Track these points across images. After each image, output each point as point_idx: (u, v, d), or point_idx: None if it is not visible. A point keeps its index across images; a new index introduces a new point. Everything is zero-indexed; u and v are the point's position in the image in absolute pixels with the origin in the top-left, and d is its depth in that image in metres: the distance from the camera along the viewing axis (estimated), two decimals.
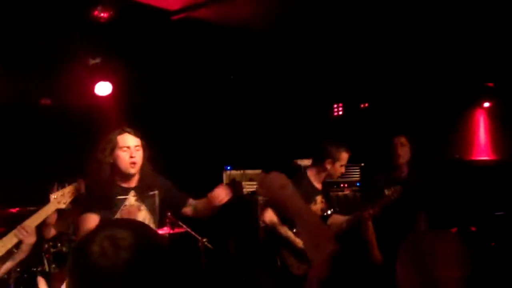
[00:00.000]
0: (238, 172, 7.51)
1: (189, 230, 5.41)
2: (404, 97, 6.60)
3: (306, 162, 5.64)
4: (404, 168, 5.02)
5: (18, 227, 3.38)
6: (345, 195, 6.33)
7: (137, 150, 3.69)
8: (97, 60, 6.52)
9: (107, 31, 5.78)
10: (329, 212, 4.78)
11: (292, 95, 7.12)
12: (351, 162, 5.32)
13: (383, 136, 5.27)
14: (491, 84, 7.52)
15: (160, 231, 5.41)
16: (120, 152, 3.64)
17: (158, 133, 7.14)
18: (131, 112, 6.97)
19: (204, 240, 5.13)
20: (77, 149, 6.55)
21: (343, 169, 4.83)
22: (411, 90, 6.82)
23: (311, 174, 4.80)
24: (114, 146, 3.64)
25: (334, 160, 4.73)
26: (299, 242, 4.46)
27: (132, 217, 3.58)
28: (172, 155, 7.12)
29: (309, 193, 4.64)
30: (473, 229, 4.91)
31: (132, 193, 3.70)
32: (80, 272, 1.52)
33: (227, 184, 7.53)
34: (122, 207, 3.64)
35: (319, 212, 4.70)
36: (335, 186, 6.17)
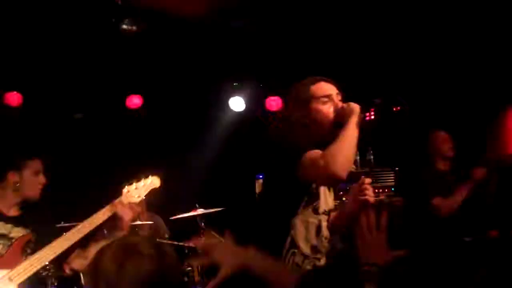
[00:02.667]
0: None
1: (223, 240, 5.38)
2: (439, 96, 6.48)
3: None
4: (448, 162, 5.04)
5: (113, 201, 3.44)
6: (380, 201, 6.23)
7: None
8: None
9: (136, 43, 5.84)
10: None
11: None
12: (385, 166, 5.27)
13: (418, 138, 5.23)
14: None
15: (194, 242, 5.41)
16: None
17: (192, 145, 7.18)
18: (162, 123, 7.03)
19: None
20: (109, 161, 6.65)
21: None
22: (447, 91, 6.70)
23: None
24: None
25: None
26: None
27: None
28: (205, 165, 7.13)
29: None
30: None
31: None
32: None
33: (260, 192, 7.49)
34: None
35: None
36: None
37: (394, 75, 6.28)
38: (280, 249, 2.67)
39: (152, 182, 3.68)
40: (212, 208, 5.44)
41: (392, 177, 5.86)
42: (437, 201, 4.77)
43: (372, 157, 4.96)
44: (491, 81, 6.69)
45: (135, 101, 6.71)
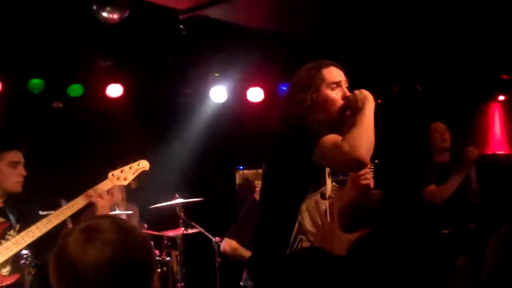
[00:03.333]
0: (251, 171, 7.50)
1: (202, 230, 5.38)
2: (417, 91, 6.53)
3: None
4: (447, 154, 5.03)
5: (89, 191, 3.39)
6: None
7: None
8: (108, 63, 6.53)
9: (117, 32, 5.79)
10: None
11: None
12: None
13: (398, 131, 5.25)
14: (506, 77, 7.42)
15: (174, 232, 5.40)
16: None
17: (170, 134, 7.16)
18: (142, 113, 6.99)
19: (218, 239, 5.11)
20: (90, 151, 6.62)
21: None
22: (425, 84, 6.75)
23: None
24: None
25: None
26: None
27: None
28: (184, 155, 7.12)
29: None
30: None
31: None
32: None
33: (240, 183, 7.52)
34: None
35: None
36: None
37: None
38: (289, 234, 2.64)
39: (141, 164, 3.65)
40: (192, 198, 5.42)
41: (372, 170, 5.87)
42: (431, 188, 4.79)
43: None
44: (470, 77, 6.75)
45: (116, 90, 6.66)
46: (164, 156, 6.88)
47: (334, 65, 2.81)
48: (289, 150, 2.63)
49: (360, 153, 2.44)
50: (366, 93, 2.68)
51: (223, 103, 7.20)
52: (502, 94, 7.82)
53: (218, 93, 7.09)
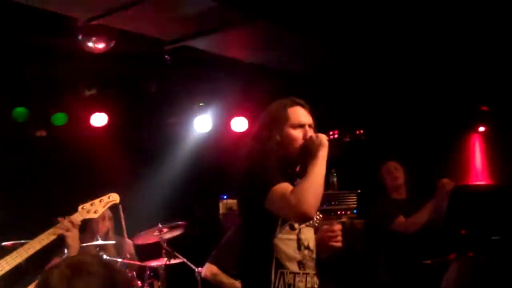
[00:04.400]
0: (235, 201, 7.48)
1: (185, 260, 5.36)
2: (398, 122, 6.62)
3: None
4: (402, 190, 5.09)
5: (59, 224, 3.37)
6: (342, 222, 6.29)
7: None
8: (93, 92, 6.55)
9: (103, 62, 5.83)
10: None
11: None
12: (347, 189, 5.33)
13: (378, 162, 5.31)
14: (486, 108, 7.54)
15: (157, 262, 5.37)
16: None
17: (154, 163, 7.16)
18: (127, 143, 6.99)
19: (200, 270, 5.08)
20: (73, 180, 6.59)
21: None
22: (406, 115, 6.83)
23: None
24: None
25: None
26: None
27: None
28: (168, 184, 7.11)
29: None
30: (470, 254, 4.91)
31: None
32: None
33: (223, 213, 7.50)
34: None
35: None
36: (332, 213, 6.13)
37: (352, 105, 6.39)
38: (268, 271, 2.69)
39: (111, 197, 3.68)
40: (175, 228, 5.40)
41: (355, 200, 5.91)
42: (400, 220, 4.83)
43: (335, 179, 5.02)
44: (450, 108, 6.85)
45: (100, 119, 6.66)
46: (148, 185, 6.88)
47: (302, 106, 2.90)
48: (247, 195, 2.75)
49: (305, 208, 2.55)
50: (321, 138, 2.76)
51: (208, 132, 7.22)
52: (483, 125, 7.92)
53: (203, 123, 7.11)
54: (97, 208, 3.57)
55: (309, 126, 2.86)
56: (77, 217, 3.47)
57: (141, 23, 4.67)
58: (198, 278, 5.15)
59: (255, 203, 2.67)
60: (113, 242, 5.47)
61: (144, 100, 6.86)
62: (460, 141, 7.98)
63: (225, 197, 7.34)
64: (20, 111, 6.30)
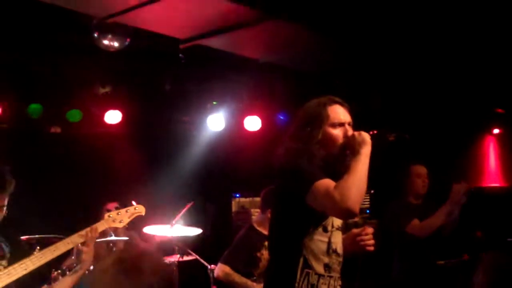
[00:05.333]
0: (247, 199, 7.50)
1: (198, 257, 5.38)
2: (413, 123, 6.59)
3: None
4: (420, 198, 5.09)
5: (86, 229, 3.40)
6: (355, 222, 6.29)
7: None
8: (107, 89, 6.59)
9: (117, 59, 5.86)
10: None
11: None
12: None
13: (392, 162, 5.28)
14: (501, 111, 7.50)
15: (170, 259, 5.39)
16: None
17: (167, 161, 7.18)
18: (140, 141, 7.03)
19: (213, 267, 5.10)
20: (86, 177, 6.63)
21: None
22: (421, 116, 6.81)
23: (257, 225, 4.92)
24: None
25: None
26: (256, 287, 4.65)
27: None
28: (181, 182, 7.13)
29: (257, 242, 4.80)
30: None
31: None
32: None
33: (236, 211, 7.52)
34: None
35: None
36: None
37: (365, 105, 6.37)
38: (295, 270, 2.70)
39: (138, 209, 3.74)
40: (187, 226, 5.42)
41: (368, 200, 5.93)
42: (414, 223, 4.82)
43: None
44: (465, 110, 6.81)
45: (114, 116, 6.69)
46: (161, 183, 6.90)
47: (340, 104, 2.87)
48: (288, 190, 2.73)
49: (349, 204, 2.52)
50: (364, 136, 2.74)
51: (221, 131, 7.24)
52: (497, 127, 7.88)
53: (216, 122, 7.13)
54: (123, 218, 3.64)
55: (348, 124, 2.84)
56: (102, 226, 3.51)
57: (156, 22, 4.67)
58: (211, 275, 5.17)
59: (296, 198, 2.64)
60: (126, 238, 5.50)
61: (158, 98, 6.89)
62: (475, 143, 7.95)
63: (237, 195, 7.36)
64: (35, 108, 6.35)
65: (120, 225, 3.63)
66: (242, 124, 7.29)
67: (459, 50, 5.42)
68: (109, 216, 3.59)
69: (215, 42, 5.08)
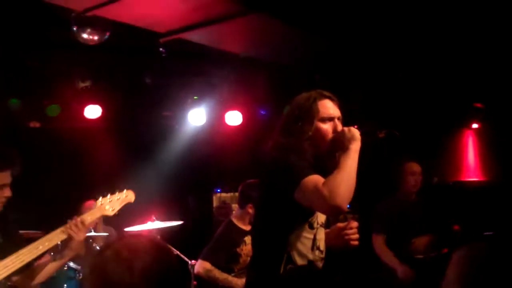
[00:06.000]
0: (228, 194, 7.50)
1: (178, 253, 5.36)
2: (391, 118, 6.62)
3: None
4: (412, 193, 5.12)
5: (68, 222, 3.22)
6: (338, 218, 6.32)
7: None
8: (87, 83, 6.53)
9: (97, 53, 5.81)
10: None
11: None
12: None
13: (382, 159, 5.31)
14: (480, 105, 7.56)
15: None
16: None
17: (148, 156, 7.15)
18: (121, 135, 6.99)
19: (193, 262, 5.09)
20: (67, 171, 6.58)
21: None
22: (399, 111, 6.84)
23: (236, 220, 4.92)
24: None
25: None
26: (236, 283, 4.65)
27: None
28: (162, 177, 7.11)
29: (236, 237, 4.82)
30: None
31: None
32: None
33: (217, 206, 7.52)
34: None
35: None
36: None
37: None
38: (278, 265, 2.69)
39: (127, 196, 3.54)
40: (168, 221, 5.40)
41: None
42: (378, 239, 4.96)
43: None
44: (444, 105, 6.86)
45: (94, 111, 6.65)
46: (141, 177, 6.86)
47: (330, 99, 2.85)
48: (276, 186, 2.70)
49: (337, 201, 2.49)
50: (354, 132, 2.72)
51: (202, 126, 7.22)
52: (476, 122, 7.94)
53: (197, 116, 7.11)
54: (114, 205, 3.45)
55: (338, 119, 2.83)
56: (94, 215, 3.34)
57: (136, 15, 4.64)
58: (191, 270, 5.16)
59: (283, 194, 2.62)
60: (106, 234, 5.47)
61: (138, 92, 6.85)
62: (453, 137, 8.01)
63: (218, 190, 7.35)
64: (14, 102, 6.29)
65: (111, 213, 3.42)
66: (223, 118, 7.28)
67: (438, 45, 5.45)
68: (100, 204, 3.39)
69: (195, 36, 5.06)
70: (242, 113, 7.24)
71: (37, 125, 6.64)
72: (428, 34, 5.18)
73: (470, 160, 8.03)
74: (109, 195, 3.45)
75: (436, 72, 6.16)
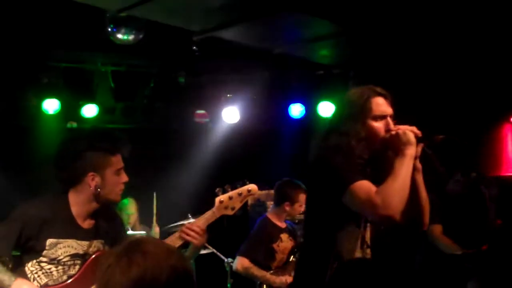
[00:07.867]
0: (263, 192, 7.47)
1: (214, 251, 5.37)
2: (430, 112, 6.52)
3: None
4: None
5: (183, 227, 3.04)
6: None
7: None
8: None
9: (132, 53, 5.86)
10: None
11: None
12: None
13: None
14: None
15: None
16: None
17: (183, 154, 7.18)
18: (155, 133, 7.03)
19: (230, 260, 5.10)
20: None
21: (302, 208, 4.90)
22: (437, 105, 6.74)
23: (272, 217, 5.01)
24: None
25: (292, 202, 4.93)
26: (274, 280, 4.72)
27: None
28: (197, 175, 7.14)
29: (273, 233, 4.90)
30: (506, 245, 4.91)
31: None
32: None
33: (252, 204, 7.52)
34: None
35: (288, 249, 4.94)
36: None
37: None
38: (326, 262, 2.65)
39: (251, 191, 3.15)
40: None
41: None
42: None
43: None
44: (483, 98, 6.73)
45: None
46: (177, 175, 6.91)
47: (383, 96, 2.77)
48: (322, 188, 2.66)
49: (390, 212, 2.45)
50: (409, 136, 2.63)
51: (236, 123, 7.23)
52: None
53: (231, 114, 7.12)
54: (235, 204, 3.09)
55: (390, 116, 2.74)
56: (213, 216, 3.08)
57: (169, 14, 4.67)
58: (227, 268, 5.17)
59: (331, 196, 2.59)
60: (143, 232, 5.52)
61: (173, 90, 6.88)
62: (492, 131, 7.85)
63: None
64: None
65: (231, 213, 3.08)
66: (258, 116, 7.26)
67: (477, 39, 5.36)
68: (220, 202, 3.06)
69: (228, 34, 5.07)
70: (277, 111, 7.22)
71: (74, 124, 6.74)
72: (466, 28, 5.10)
73: (510, 154, 7.86)
74: (229, 190, 3.13)
75: (475, 65, 6.06)
